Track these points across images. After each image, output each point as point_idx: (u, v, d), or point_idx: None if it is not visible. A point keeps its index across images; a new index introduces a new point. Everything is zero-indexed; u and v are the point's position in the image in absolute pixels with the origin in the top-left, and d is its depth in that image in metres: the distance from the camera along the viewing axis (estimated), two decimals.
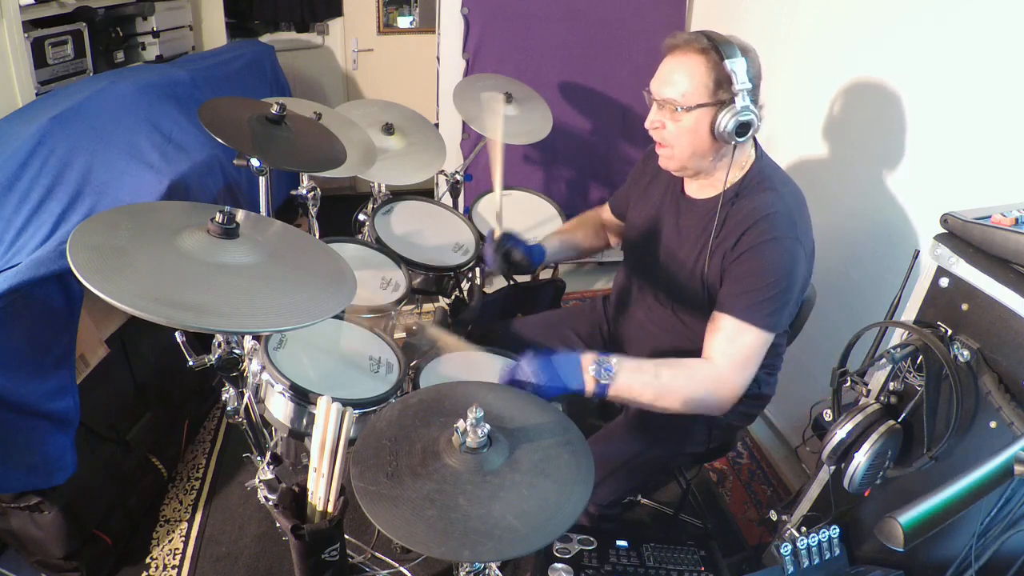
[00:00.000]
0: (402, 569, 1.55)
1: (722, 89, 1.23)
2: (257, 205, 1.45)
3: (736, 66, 1.21)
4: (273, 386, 1.22)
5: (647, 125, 1.34)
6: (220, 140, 1.31)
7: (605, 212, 1.74)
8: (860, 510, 1.20)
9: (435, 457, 0.89)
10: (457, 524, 0.81)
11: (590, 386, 1.20)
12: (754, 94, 1.26)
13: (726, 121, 1.23)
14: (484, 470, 0.87)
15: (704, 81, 1.24)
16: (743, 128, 1.24)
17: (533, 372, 1.17)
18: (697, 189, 1.41)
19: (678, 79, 1.26)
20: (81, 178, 1.60)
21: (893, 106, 1.70)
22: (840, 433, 1.04)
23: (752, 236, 1.26)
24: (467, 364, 1.48)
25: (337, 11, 3.51)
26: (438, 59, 2.67)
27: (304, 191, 1.74)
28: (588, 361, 1.20)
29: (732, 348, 1.24)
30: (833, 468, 1.15)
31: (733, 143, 1.27)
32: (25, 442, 1.35)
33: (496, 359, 1.51)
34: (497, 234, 1.55)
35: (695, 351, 1.46)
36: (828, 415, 1.16)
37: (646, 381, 1.22)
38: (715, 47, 1.22)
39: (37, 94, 1.95)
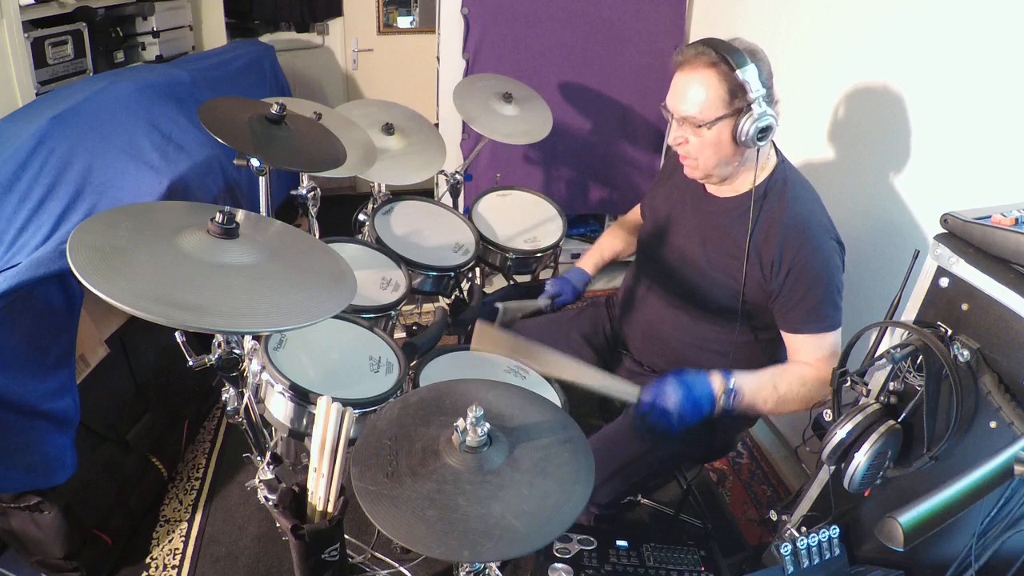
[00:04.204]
0: (402, 569, 1.55)
1: (738, 98, 1.24)
2: (257, 205, 1.45)
3: (748, 74, 1.22)
4: (273, 386, 1.22)
5: (670, 142, 1.36)
6: (220, 140, 1.31)
7: (636, 212, 1.76)
8: (860, 510, 1.20)
9: (435, 457, 0.89)
10: (457, 524, 0.80)
11: (719, 409, 1.30)
12: (768, 96, 1.27)
13: (747, 128, 1.25)
14: (484, 469, 0.87)
15: (719, 94, 1.25)
16: (764, 132, 1.25)
17: (678, 400, 1.25)
18: (720, 189, 1.42)
19: (693, 95, 1.27)
20: (81, 178, 1.60)
21: (893, 106, 1.70)
22: (840, 433, 1.04)
23: (793, 251, 1.30)
24: (466, 363, 1.48)
25: (337, 11, 3.51)
26: (438, 59, 2.67)
27: (304, 191, 1.74)
28: (718, 385, 1.28)
29: (820, 352, 1.33)
30: (833, 468, 1.15)
31: (756, 147, 1.28)
32: (25, 442, 1.35)
33: (496, 359, 1.50)
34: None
35: (703, 352, 1.48)
36: (828, 415, 1.16)
37: (766, 396, 1.32)
38: (724, 58, 1.22)
39: (37, 94, 1.95)
